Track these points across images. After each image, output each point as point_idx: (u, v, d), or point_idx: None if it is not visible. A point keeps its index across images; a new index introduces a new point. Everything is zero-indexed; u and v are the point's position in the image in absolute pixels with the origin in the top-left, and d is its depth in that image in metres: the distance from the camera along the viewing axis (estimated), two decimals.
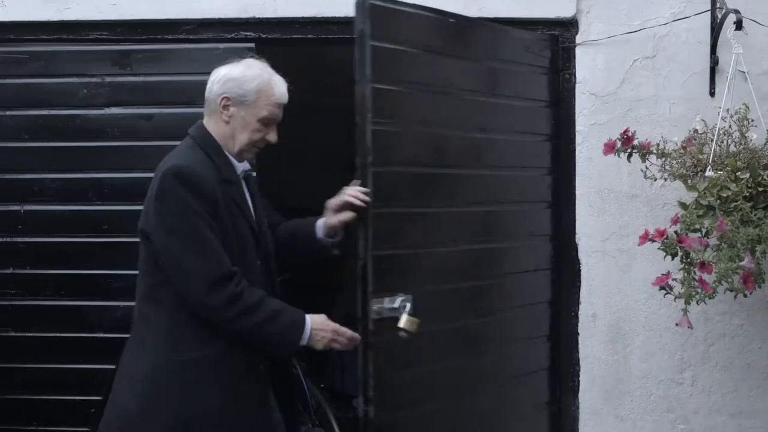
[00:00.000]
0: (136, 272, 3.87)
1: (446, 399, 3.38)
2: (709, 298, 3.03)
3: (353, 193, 2.94)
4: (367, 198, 2.94)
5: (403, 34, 3.16)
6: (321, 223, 3.00)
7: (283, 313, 2.74)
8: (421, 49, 3.23)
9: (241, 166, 2.85)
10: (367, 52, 2.97)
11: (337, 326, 2.82)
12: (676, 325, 3.19)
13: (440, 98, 3.34)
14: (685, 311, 3.05)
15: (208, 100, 2.82)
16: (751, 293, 3.03)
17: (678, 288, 3.09)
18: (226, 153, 2.81)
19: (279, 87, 2.82)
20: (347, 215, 2.96)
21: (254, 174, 2.98)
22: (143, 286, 2.83)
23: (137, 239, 3.86)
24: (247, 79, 2.77)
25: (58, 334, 3.90)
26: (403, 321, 3.00)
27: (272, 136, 2.84)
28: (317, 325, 2.78)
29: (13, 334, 3.92)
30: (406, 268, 3.18)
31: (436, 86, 3.31)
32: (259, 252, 2.84)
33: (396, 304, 3.03)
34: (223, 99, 2.77)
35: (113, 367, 2.93)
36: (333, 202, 2.97)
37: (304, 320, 2.75)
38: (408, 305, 3.04)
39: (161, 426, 2.68)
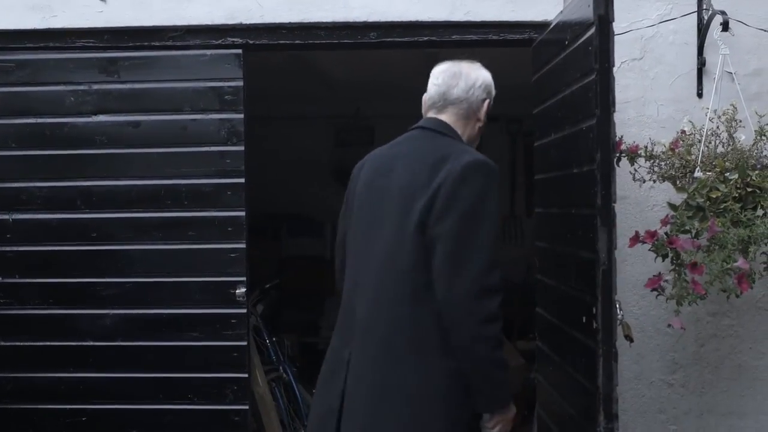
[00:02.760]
0: (124, 280, 3.90)
1: None
2: (701, 299, 3.04)
3: None
4: None
5: None
6: None
7: (508, 368, 2.48)
8: None
9: None
10: (611, 38, 2.77)
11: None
12: (668, 326, 3.20)
13: None
14: (677, 312, 3.05)
15: (464, 102, 2.60)
16: (743, 293, 3.04)
17: (669, 289, 3.11)
18: None
19: None
20: None
21: None
22: (409, 288, 2.47)
23: (126, 246, 3.90)
24: (492, 82, 2.65)
25: (47, 343, 3.89)
26: (626, 327, 2.87)
27: None
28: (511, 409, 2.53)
29: (1, 343, 3.91)
30: None
31: None
32: None
33: (618, 310, 2.75)
34: (487, 104, 2.62)
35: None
36: None
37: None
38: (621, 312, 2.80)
39: None
